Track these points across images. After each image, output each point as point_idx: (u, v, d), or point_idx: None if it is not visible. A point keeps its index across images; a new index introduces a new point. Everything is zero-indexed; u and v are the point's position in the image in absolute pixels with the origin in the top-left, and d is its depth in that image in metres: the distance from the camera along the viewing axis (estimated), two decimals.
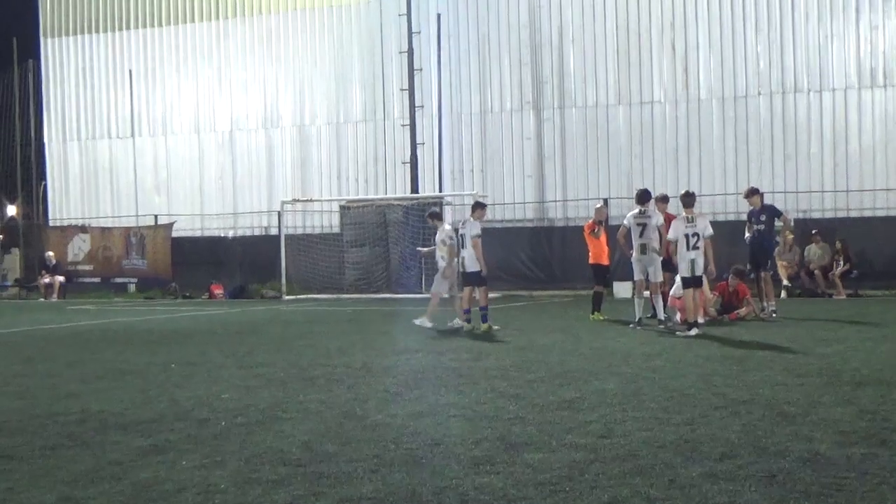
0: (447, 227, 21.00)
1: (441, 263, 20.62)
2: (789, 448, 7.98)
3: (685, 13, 33.89)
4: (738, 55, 33.29)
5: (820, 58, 32.49)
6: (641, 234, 19.32)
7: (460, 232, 20.18)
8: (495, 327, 19.41)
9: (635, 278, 19.77)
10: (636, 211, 19.66)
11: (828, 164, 32.30)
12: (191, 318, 26.25)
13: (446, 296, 21.08)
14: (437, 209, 22.63)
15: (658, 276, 19.34)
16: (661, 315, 19.19)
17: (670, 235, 18.33)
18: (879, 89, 31.99)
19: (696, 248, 17.91)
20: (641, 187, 21.27)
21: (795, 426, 8.85)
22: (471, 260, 19.84)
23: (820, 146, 32.42)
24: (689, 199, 18.52)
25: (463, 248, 20.00)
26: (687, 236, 17.93)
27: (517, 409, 10.04)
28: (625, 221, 19.98)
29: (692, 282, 17.98)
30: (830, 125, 32.34)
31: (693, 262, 17.93)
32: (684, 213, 18.29)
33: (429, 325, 19.93)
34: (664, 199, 21.05)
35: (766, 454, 7.80)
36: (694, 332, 17.28)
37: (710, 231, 18.11)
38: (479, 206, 20.48)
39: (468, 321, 19.83)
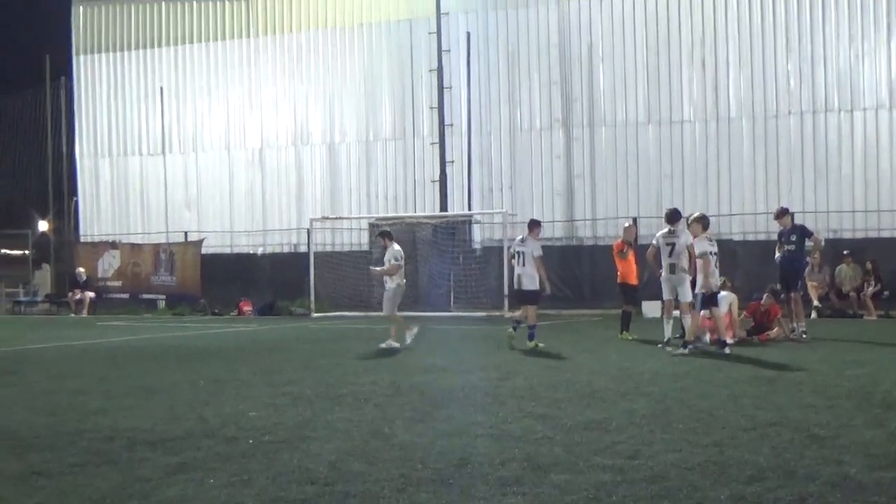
0: (396, 247, 21.01)
1: (388, 284, 20.61)
2: (819, 471, 7.92)
3: (715, 31, 33.84)
4: (769, 74, 33.19)
5: (851, 77, 32.35)
6: (671, 254, 19.25)
7: (517, 250, 20.27)
8: (541, 345, 19.43)
9: (664, 298, 19.69)
10: (665, 230, 19.59)
11: (858, 184, 32.13)
12: (219, 334, 26.30)
13: (384, 312, 20.86)
14: (387, 229, 22.57)
15: (687, 296, 19.25)
16: (689, 336, 19.08)
17: (698, 252, 18.30)
18: None
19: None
20: (671, 206, 21.21)
21: (825, 449, 8.78)
22: (528, 278, 20.01)
23: (851, 166, 32.26)
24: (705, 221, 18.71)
25: (522, 265, 20.08)
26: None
27: (545, 429, 10.00)
28: (654, 241, 19.92)
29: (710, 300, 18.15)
30: (861, 145, 32.18)
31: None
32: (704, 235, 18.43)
33: (395, 344, 19.95)
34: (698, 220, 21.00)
35: (796, 477, 7.74)
36: (686, 349, 17.62)
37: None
38: (536, 225, 20.64)
39: (512, 337, 19.92)
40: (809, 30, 32.79)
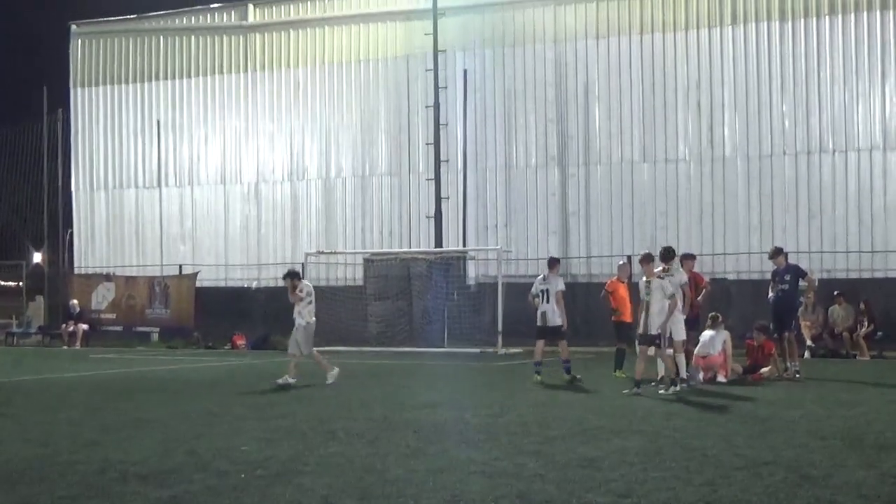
0: (306, 282, 21.16)
1: (299, 321, 20.58)
2: None
3: (710, 72, 34.02)
4: (764, 114, 33.35)
5: (845, 118, 32.51)
6: None
7: (541, 288, 20.50)
8: (578, 377, 19.73)
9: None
10: (660, 269, 19.61)
11: (852, 225, 32.22)
12: (213, 368, 26.27)
13: (307, 352, 20.71)
14: (295, 269, 22.50)
15: (680, 334, 19.24)
16: (684, 373, 19.07)
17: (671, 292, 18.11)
18: None
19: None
20: (665, 245, 21.24)
21: (818, 489, 8.78)
22: (552, 314, 20.28)
23: (844, 206, 32.36)
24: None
25: (546, 302, 20.35)
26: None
27: (537, 466, 10.00)
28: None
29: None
30: (855, 185, 32.29)
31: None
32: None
33: (291, 381, 19.81)
34: (690, 258, 21.06)
35: None
36: (670, 389, 17.42)
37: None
38: (556, 262, 21.21)
39: (538, 373, 20.15)
40: (804, 71, 32.98)
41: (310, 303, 20.58)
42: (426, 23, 36.32)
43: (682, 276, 19.59)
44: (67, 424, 13.69)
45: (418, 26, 37.16)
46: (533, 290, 20.86)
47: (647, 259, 18.19)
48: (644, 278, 17.92)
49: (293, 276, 21.12)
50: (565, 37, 35.89)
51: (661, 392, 17.36)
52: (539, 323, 20.71)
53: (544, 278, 20.65)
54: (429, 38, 36.04)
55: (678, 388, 17.56)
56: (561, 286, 20.42)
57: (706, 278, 22.40)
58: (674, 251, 20.07)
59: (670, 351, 18.24)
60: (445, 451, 11.09)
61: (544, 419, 13.77)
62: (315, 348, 20.99)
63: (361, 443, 11.73)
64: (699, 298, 20.66)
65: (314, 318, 20.75)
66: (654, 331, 17.73)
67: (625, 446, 11.21)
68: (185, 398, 17.62)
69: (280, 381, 19.74)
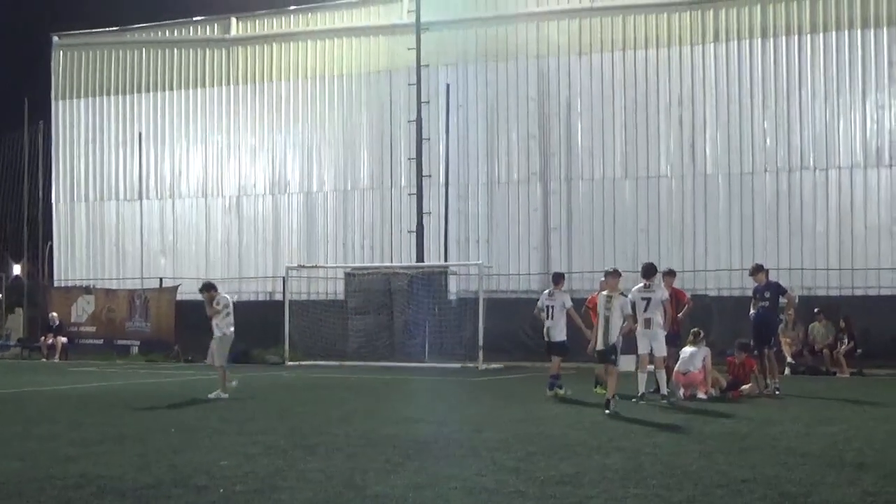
0: (224, 295, 21.19)
1: (216, 332, 20.69)
2: None
3: (693, 89, 34.17)
4: (745, 132, 33.50)
5: (826, 136, 32.68)
6: (646, 309, 19.29)
7: (546, 304, 20.60)
8: (564, 392, 19.82)
9: (639, 352, 19.67)
10: (641, 285, 19.66)
11: (833, 242, 32.35)
12: (193, 382, 26.17)
13: (220, 364, 20.74)
14: (211, 282, 22.44)
15: (661, 350, 19.28)
16: (665, 390, 19.10)
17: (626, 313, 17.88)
18: (885, 168, 32.15)
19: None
20: (647, 261, 21.26)
21: None
22: (557, 330, 20.41)
23: (825, 224, 32.50)
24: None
25: (549, 318, 20.45)
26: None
27: (517, 482, 9.97)
28: (630, 296, 19.94)
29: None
30: (836, 203, 32.43)
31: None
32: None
33: (224, 395, 19.96)
34: (671, 274, 21.11)
35: None
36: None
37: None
38: (560, 277, 21.18)
39: (560, 387, 20.16)
40: (786, 89, 33.14)
41: (227, 314, 20.70)
42: (409, 37, 36.38)
43: (664, 293, 19.64)
44: (45, 438, 13.60)
45: (401, 41, 37.23)
46: (539, 303, 20.96)
47: (613, 275, 18.07)
48: (605, 292, 17.78)
49: (210, 288, 21.23)
50: (548, 52, 35.99)
51: (607, 412, 16.85)
52: (545, 338, 20.82)
53: (550, 294, 20.72)
54: (412, 53, 36.09)
55: (610, 411, 16.85)
56: (568, 303, 20.49)
57: (688, 294, 22.43)
58: (655, 268, 20.13)
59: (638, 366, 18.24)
60: (425, 466, 11.05)
61: (525, 435, 13.74)
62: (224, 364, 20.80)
63: (341, 458, 11.68)
64: (680, 315, 20.70)
65: (231, 330, 20.84)
66: (601, 346, 17.45)
67: (605, 463, 11.19)
68: (164, 412, 17.54)
69: (212, 395, 19.91)
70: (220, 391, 20.08)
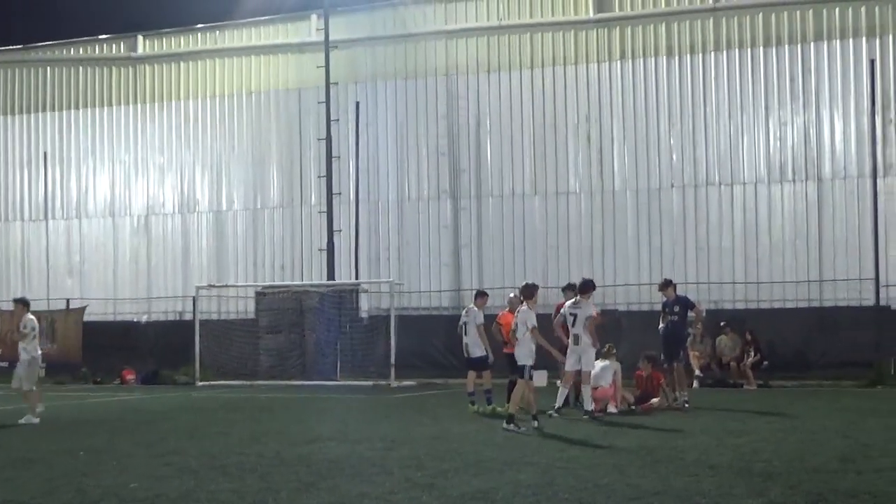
0: (31, 317, 20.86)
1: (23, 355, 20.47)
2: None
3: (600, 107, 34.49)
4: (652, 148, 33.88)
5: (731, 152, 33.16)
6: (574, 324, 19.39)
7: (463, 321, 20.94)
8: (499, 409, 19.71)
9: (568, 368, 19.58)
10: (572, 301, 19.80)
11: (738, 256, 32.81)
12: (101, 404, 25.82)
13: (29, 388, 20.45)
14: (25, 298, 22.11)
15: (589, 365, 19.33)
16: (588, 406, 19.08)
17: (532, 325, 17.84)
18: (788, 183, 32.67)
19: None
20: (586, 277, 21.75)
21: None
22: (473, 346, 20.67)
23: (731, 238, 32.95)
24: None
25: (465, 335, 20.79)
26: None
27: (430, 499, 9.99)
28: (563, 311, 20.05)
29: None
30: (741, 218, 32.90)
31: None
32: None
33: (35, 420, 19.70)
34: (572, 288, 21.01)
35: None
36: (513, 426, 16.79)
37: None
38: (481, 295, 21.56)
39: (472, 403, 20.56)
40: (691, 106, 33.60)
41: (34, 338, 20.41)
42: (318, 55, 36.29)
43: (589, 309, 19.65)
44: None
45: (311, 59, 37.11)
46: (460, 321, 21.12)
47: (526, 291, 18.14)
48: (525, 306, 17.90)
49: (23, 303, 20.86)
50: (457, 70, 36.13)
51: (506, 426, 16.81)
52: (464, 355, 21.20)
53: (467, 311, 21.11)
54: (321, 71, 36.00)
55: (535, 424, 17.03)
56: (480, 319, 20.70)
57: (597, 310, 22.55)
58: (593, 283, 20.29)
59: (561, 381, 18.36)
60: (338, 485, 11.03)
61: (437, 452, 13.76)
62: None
63: (253, 478, 11.61)
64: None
65: (39, 353, 20.61)
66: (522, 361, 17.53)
67: (518, 479, 11.25)
68: (71, 435, 17.29)
69: (23, 420, 19.53)
70: (31, 415, 19.69)
